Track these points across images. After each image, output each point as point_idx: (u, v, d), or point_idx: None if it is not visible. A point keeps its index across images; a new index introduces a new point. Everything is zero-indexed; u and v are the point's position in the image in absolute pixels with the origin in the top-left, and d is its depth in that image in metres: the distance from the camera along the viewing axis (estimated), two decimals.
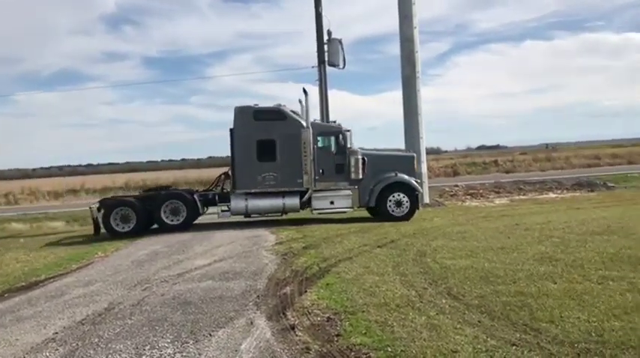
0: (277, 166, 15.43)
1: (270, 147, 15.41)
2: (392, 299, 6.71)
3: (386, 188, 15.64)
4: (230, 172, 15.96)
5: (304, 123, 15.53)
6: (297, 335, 5.64)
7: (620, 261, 8.07)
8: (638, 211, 14.07)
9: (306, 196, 15.52)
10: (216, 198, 15.93)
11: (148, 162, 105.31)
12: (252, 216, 15.85)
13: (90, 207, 16.16)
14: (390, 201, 15.62)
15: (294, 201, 15.45)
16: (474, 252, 9.48)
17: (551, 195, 21.57)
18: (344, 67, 20.93)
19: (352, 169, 15.57)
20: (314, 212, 15.68)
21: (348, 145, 15.81)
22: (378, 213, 15.83)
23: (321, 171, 15.56)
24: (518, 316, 5.77)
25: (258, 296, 7.40)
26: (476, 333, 5.33)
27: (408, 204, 15.64)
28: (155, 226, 15.69)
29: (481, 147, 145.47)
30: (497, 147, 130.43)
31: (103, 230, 15.52)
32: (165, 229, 15.27)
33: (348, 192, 15.63)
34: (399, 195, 15.61)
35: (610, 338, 4.94)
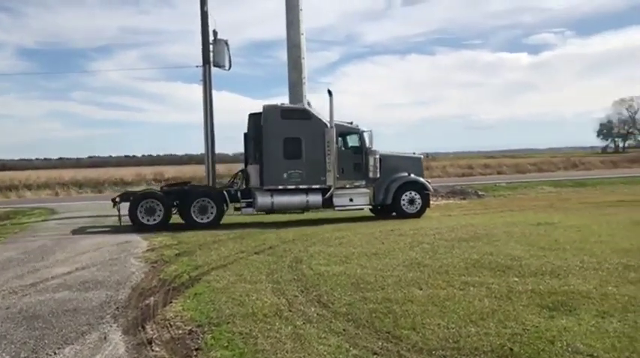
0: (302, 164, 15.94)
1: (296, 145, 15.88)
2: (260, 309, 6.49)
3: (400, 187, 16.51)
4: (248, 169, 16.41)
5: (328, 123, 16.03)
6: (153, 351, 5.25)
7: (481, 266, 8.45)
8: (503, 219, 15.02)
9: (329, 193, 16.10)
10: (239, 194, 16.08)
11: (20, 160, 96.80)
12: (277, 212, 16.34)
13: (112, 200, 15.99)
14: (404, 199, 16.57)
15: (317, 198, 16.00)
16: (349, 258, 9.54)
17: None
18: (230, 68, 20.50)
19: (371, 168, 16.37)
20: (336, 208, 16.37)
21: (367, 145, 16.48)
22: (393, 210, 16.74)
23: (341, 169, 16.20)
24: (382, 323, 5.79)
25: (117, 307, 6.87)
26: (339, 343, 5.25)
27: (420, 202, 16.65)
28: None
29: None
30: None
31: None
32: (194, 227, 14.93)
33: (366, 190, 16.50)
34: (411, 194, 16.62)
35: (465, 345, 5.06)
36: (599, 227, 12.44)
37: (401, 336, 5.37)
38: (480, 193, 25.00)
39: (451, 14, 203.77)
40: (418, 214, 16.49)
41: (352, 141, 16.79)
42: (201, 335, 5.62)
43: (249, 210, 15.97)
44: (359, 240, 11.64)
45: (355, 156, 16.46)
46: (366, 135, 16.63)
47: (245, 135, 16.86)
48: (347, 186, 16.31)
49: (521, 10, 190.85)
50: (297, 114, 16.29)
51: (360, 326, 5.73)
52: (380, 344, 5.19)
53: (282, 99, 18.14)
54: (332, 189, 16.07)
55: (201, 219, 15.38)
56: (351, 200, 16.30)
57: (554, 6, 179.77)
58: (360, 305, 6.49)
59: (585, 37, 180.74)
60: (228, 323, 6.00)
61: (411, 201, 16.59)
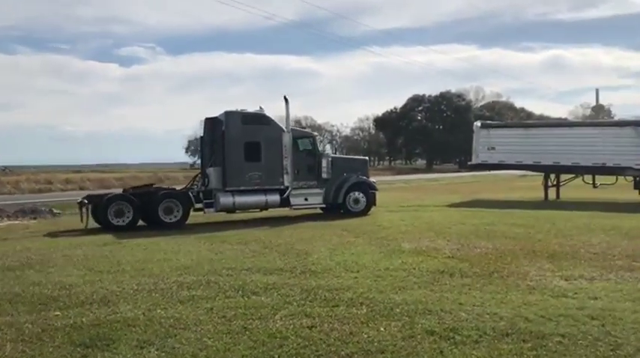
0: (261, 166, 16.83)
1: (255, 149, 16.71)
2: None
3: (350, 187, 17.88)
4: (207, 172, 17.08)
5: (285, 128, 17.11)
6: None
7: (20, 302, 7.20)
8: (66, 241, 13.69)
9: (287, 193, 17.09)
10: (200, 195, 16.47)
11: None
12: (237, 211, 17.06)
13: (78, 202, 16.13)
14: (349, 198, 17.90)
15: (275, 198, 16.92)
16: None
17: None
18: None
19: (323, 170, 17.62)
20: (292, 207, 17.46)
21: (319, 149, 18.34)
22: (341, 208, 17.92)
23: (296, 171, 17.23)
24: None
25: None
26: None
27: (364, 201, 18.08)
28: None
29: None
30: None
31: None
32: (162, 227, 15.13)
33: (319, 190, 17.73)
34: (356, 194, 18.05)
35: None
36: (167, 244, 12.49)
37: None
38: (55, 211, 22.87)
39: (34, 12, 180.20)
40: (364, 212, 17.84)
41: (306, 144, 17.91)
42: None
43: (211, 210, 16.51)
44: None
45: (308, 159, 17.71)
46: (317, 139, 18.61)
47: (201, 138, 18.08)
48: (302, 186, 17.47)
49: (111, 19, 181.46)
50: (257, 120, 16.99)
51: None
52: None
53: None
54: (289, 189, 17.09)
55: (169, 219, 15.75)
56: (306, 199, 17.57)
57: (144, 20, 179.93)
58: None
59: (176, 55, 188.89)
60: None
61: (356, 201, 18.02)
